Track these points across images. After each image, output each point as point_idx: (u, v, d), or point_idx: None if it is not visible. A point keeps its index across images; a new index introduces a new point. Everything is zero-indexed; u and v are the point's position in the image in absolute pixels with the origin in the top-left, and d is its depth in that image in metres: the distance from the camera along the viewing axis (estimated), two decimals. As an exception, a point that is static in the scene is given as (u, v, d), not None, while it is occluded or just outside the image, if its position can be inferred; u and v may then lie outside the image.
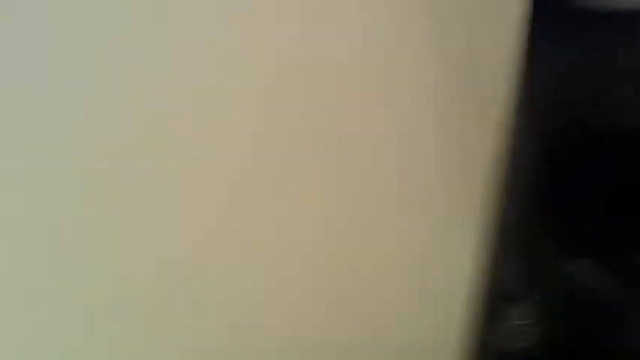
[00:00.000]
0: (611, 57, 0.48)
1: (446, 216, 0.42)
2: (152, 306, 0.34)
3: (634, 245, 0.44)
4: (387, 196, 0.41)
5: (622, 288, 0.44)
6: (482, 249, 0.45)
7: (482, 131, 0.43)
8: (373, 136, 0.40)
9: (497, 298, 0.48)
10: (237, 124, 0.36)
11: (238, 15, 0.35)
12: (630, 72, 0.49)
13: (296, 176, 0.38)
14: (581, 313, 0.51)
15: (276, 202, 0.37)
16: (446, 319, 0.41)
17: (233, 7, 0.35)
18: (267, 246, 0.37)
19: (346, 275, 0.40)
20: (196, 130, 0.35)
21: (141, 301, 0.34)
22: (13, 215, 0.30)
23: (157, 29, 0.33)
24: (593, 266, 0.47)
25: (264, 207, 0.37)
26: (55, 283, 0.31)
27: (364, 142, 0.40)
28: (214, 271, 0.36)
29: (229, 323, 0.37)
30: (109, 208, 0.32)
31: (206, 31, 0.34)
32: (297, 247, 0.39)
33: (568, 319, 0.51)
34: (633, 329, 0.50)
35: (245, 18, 0.35)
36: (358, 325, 0.41)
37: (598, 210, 0.48)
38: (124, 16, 0.31)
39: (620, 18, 0.47)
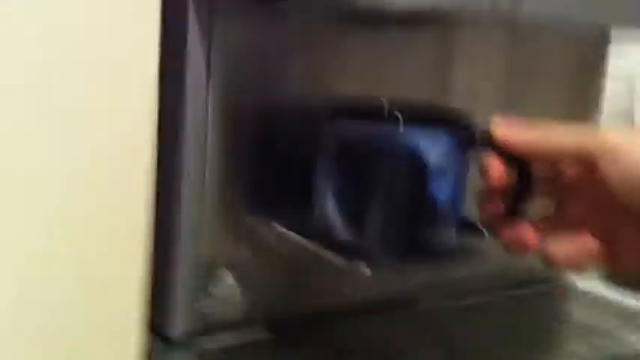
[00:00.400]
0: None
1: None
2: None
3: (306, 204, 0.50)
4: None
5: (309, 243, 0.50)
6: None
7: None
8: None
9: (201, 269, 0.53)
10: None
11: None
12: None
13: None
14: (280, 278, 0.57)
15: None
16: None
17: None
18: None
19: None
20: None
21: None
22: None
23: None
24: (281, 230, 0.54)
25: None
26: None
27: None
28: None
29: None
30: None
31: None
32: None
33: (269, 286, 0.57)
34: (331, 283, 0.58)
35: None
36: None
37: (275, 178, 0.55)
38: None
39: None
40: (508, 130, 0.43)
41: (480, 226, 0.47)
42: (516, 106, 0.67)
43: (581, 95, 0.73)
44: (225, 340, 0.56)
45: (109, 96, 0.40)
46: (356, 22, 0.56)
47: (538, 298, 0.72)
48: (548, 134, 0.42)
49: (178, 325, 0.54)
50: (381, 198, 0.47)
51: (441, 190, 0.47)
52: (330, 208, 0.49)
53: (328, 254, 0.47)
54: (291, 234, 0.53)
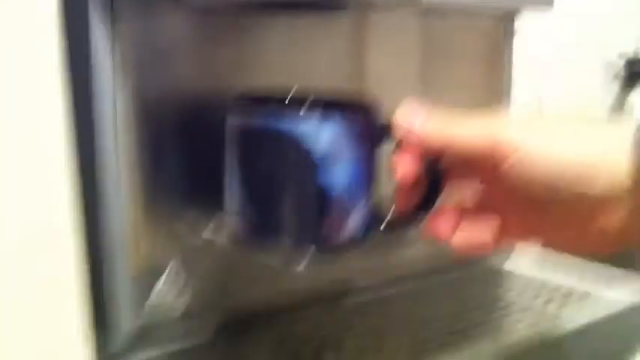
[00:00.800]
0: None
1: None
2: None
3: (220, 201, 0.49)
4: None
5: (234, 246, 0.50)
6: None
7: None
8: None
9: (136, 279, 0.53)
10: None
11: None
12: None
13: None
14: (215, 280, 0.57)
15: None
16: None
17: None
18: None
19: None
20: None
21: None
22: None
23: None
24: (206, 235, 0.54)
25: None
26: None
27: None
28: None
29: None
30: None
31: None
32: None
33: (206, 288, 0.57)
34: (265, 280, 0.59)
35: None
36: None
37: (191, 177, 0.54)
38: None
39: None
40: (412, 125, 0.44)
41: (390, 217, 0.47)
42: (432, 90, 0.69)
43: (495, 75, 0.76)
44: (167, 347, 0.56)
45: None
46: (268, 9, 0.56)
47: (468, 281, 0.74)
48: (451, 130, 0.43)
49: (118, 337, 0.53)
50: (277, 189, 0.46)
51: (333, 178, 0.46)
52: (240, 205, 0.48)
53: (257, 255, 0.47)
54: (216, 238, 0.53)
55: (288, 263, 0.47)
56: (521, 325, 0.62)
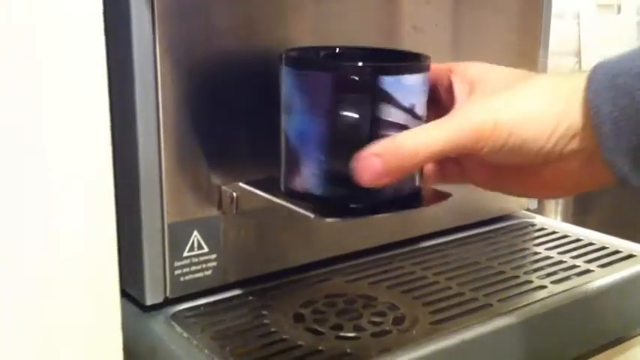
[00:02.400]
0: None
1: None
2: None
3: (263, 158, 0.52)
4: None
5: (272, 197, 0.50)
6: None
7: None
8: None
9: (170, 234, 0.54)
10: None
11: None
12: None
13: None
14: (249, 237, 0.58)
15: None
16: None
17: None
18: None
19: None
20: None
21: None
22: None
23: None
24: (244, 187, 0.54)
25: None
26: None
27: None
28: None
29: None
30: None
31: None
32: None
33: (239, 246, 0.57)
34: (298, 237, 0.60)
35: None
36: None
37: (230, 133, 0.55)
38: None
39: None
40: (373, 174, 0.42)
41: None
42: (464, 38, 0.68)
43: (529, 29, 0.74)
44: (201, 300, 0.57)
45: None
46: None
47: (498, 234, 0.73)
48: (426, 143, 0.42)
49: (150, 290, 0.54)
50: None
51: (291, 128, 0.47)
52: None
53: (292, 206, 0.48)
54: (254, 190, 0.53)
55: (320, 215, 0.47)
56: (551, 279, 0.62)
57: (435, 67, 0.48)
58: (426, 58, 0.49)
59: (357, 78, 0.45)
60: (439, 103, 0.49)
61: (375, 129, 0.46)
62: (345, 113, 0.46)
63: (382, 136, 0.45)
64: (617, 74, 0.39)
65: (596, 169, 0.41)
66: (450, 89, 0.47)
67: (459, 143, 0.42)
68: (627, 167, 0.39)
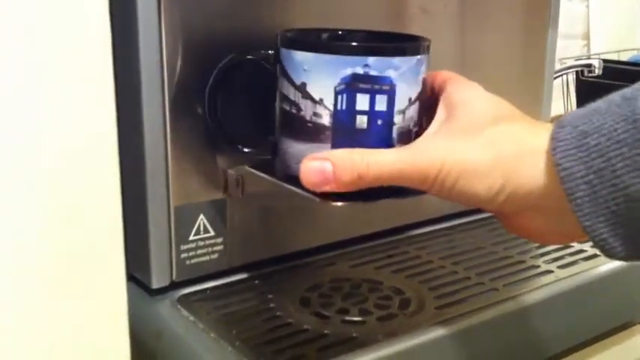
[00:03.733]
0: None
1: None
2: None
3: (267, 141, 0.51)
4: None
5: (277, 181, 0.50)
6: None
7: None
8: None
9: (176, 217, 0.54)
10: None
11: None
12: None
13: None
14: (255, 220, 0.58)
15: None
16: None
17: None
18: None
19: None
20: None
21: None
22: None
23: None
24: (250, 171, 0.54)
25: None
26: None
27: None
28: None
29: None
30: None
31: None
32: None
33: (245, 229, 0.57)
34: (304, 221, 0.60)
35: None
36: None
37: (236, 117, 0.54)
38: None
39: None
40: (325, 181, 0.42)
41: None
42: (472, 20, 0.67)
43: (538, 11, 0.73)
44: (208, 284, 0.57)
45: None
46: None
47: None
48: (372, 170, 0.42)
49: (156, 274, 0.54)
50: None
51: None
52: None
53: (298, 189, 0.47)
54: (260, 174, 0.53)
55: (327, 199, 0.47)
56: (558, 264, 0.62)
57: (435, 76, 0.48)
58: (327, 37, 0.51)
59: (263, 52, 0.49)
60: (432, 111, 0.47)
61: (279, 103, 0.48)
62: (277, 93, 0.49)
63: (283, 111, 0.48)
64: (586, 132, 0.37)
65: (569, 226, 0.40)
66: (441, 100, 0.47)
67: (409, 177, 0.42)
68: (607, 233, 0.38)
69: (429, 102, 0.48)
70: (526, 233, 0.44)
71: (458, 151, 0.42)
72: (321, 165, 0.42)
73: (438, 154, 0.42)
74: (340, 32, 0.52)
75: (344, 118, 0.45)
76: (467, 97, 0.45)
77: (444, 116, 0.45)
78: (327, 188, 0.42)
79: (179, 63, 0.51)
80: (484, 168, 0.41)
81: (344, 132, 0.46)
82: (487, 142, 0.42)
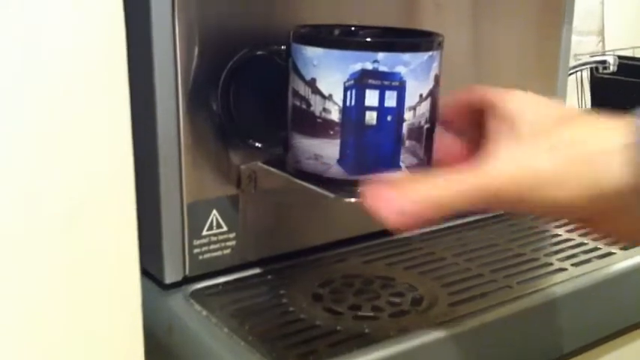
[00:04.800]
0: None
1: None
2: None
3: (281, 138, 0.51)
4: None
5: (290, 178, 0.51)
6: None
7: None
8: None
9: (190, 213, 0.54)
10: None
11: None
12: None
13: None
14: (268, 216, 0.58)
15: None
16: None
17: None
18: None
19: None
20: None
21: None
22: None
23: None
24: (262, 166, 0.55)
25: None
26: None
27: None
28: None
29: None
30: None
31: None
32: None
33: (258, 225, 0.57)
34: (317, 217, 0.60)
35: None
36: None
37: (249, 112, 0.54)
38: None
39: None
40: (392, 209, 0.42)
41: None
42: (486, 14, 0.67)
43: (552, 7, 0.73)
44: (219, 279, 0.57)
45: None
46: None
47: (519, 216, 0.73)
48: (439, 195, 0.41)
49: (169, 268, 0.54)
50: None
51: None
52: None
53: (311, 185, 0.48)
54: (273, 170, 0.53)
55: (341, 195, 0.47)
56: (572, 262, 0.62)
57: (468, 93, 0.47)
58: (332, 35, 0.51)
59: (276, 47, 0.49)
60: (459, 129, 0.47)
61: (290, 98, 0.48)
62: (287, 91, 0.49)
63: (294, 107, 0.48)
64: None
65: None
66: (474, 119, 0.46)
67: (486, 201, 0.41)
68: None
69: (471, 120, 0.47)
70: (617, 236, 0.43)
71: (526, 162, 0.41)
72: (399, 204, 0.42)
73: (507, 169, 0.41)
74: (353, 28, 0.52)
75: (353, 113, 0.45)
76: (521, 106, 0.43)
77: (503, 129, 0.43)
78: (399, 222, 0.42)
79: (193, 59, 0.52)
80: (557, 175, 0.40)
81: (353, 128, 0.46)
82: (554, 147, 0.40)
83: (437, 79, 0.48)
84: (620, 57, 1.16)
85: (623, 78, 1.17)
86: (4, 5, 0.36)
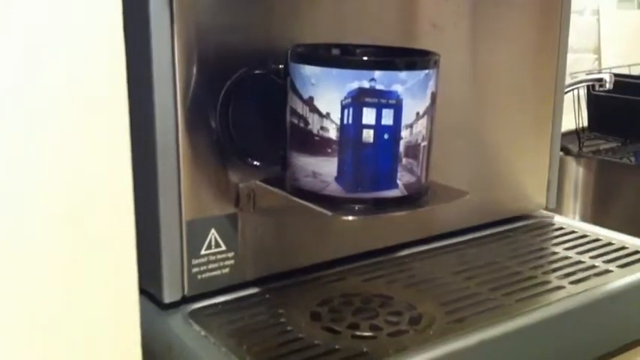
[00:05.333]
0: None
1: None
2: None
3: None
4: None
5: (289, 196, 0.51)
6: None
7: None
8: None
9: (189, 233, 0.54)
10: None
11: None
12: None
13: None
14: (267, 235, 0.58)
15: None
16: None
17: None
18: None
19: None
20: None
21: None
22: None
23: None
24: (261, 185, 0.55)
25: None
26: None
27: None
28: None
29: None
30: None
31: None
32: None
33: (257, 244, 0.58)
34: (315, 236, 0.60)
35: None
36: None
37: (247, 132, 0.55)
38: None
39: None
40: None
41: None
42: (483, 34, 0.68)
43: (548, 25, 0.73)
44: (218, 298, 0.57)
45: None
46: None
47: (516, 234, 0.73)
48: None
49: (168, 288, 0.54)
50: None
51: None
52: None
53: (309, 204, 0.48)
54: (271, 188, 0.53)
55: (339, 213, 0.47)
56: (570, 280, 0.62)
57: None
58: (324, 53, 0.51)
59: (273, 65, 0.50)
60: None
61: (289, 117, 0.49)
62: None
63: (292, 125, 0.48)
64: None
65: None
66: None
67: None
68: None
69: None
70: None
71: None
72: None
73: None
74: (350, 47, 0.53)
75: (350, 132, 0.46)
76: None
77: None
78: None
79: (191, 77, 0.52)
80: None
81: (350, 146, 0.46)
82: None
83: (433, 97, 0.48)
84: (616, 75, 1.16)
85: (619, 95, 1.18)
86: (5, 5, 0.36)
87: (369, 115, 0.45)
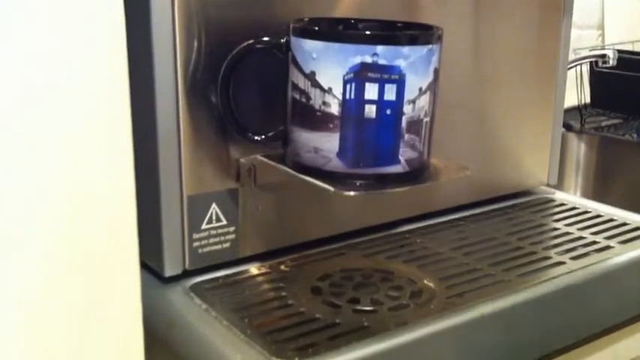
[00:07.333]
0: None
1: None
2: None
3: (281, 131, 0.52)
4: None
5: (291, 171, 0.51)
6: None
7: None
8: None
9: (190, 207, 0.54)
10: None
11: None
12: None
13: None
14: (268, 210, 0.58)
15: None
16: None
17: None
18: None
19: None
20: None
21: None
22: None
23: None
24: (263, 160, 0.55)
25: None
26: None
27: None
28: None
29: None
30: None
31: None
32: None
33: (258, 219, 0.57)
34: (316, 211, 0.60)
35: None
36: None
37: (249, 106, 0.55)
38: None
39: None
40: None
41: None
42: (485, 9, 0.67)
43: (551, 2, 0.73)
44: (219, 272, 0.57)
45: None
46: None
47: (516, 210, 0.73)
48: None
49: (169, 262, 0.55)
50: None
51: None
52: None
53: (311, 179, 0.48)
54: (272, 163, 0.53)
55: (341, 189, 0.47)
56: (570, 255, 0.62)
57: None
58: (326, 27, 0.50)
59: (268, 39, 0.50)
60: None
61: (290, 92, 0.48)
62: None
63: (294, 100, 0.48)
64: None
65: None
66: None
67: None
68: None
69: None
70: None
71: None
72: None
73: None
74: (352, 21, 0.52)
75: (352, 107, 0.45)
76: None
77: None
78: None
79: (192, 52, 0.52)
80: None
81: (353, 121, 0.46)
82: None
83: (436, 72, 0.48)
84: (619, 51, 1.16)
85: (622, 72, 1.17)
86: (6, 6, 0.36)
87: (371, 91, 0.45)
